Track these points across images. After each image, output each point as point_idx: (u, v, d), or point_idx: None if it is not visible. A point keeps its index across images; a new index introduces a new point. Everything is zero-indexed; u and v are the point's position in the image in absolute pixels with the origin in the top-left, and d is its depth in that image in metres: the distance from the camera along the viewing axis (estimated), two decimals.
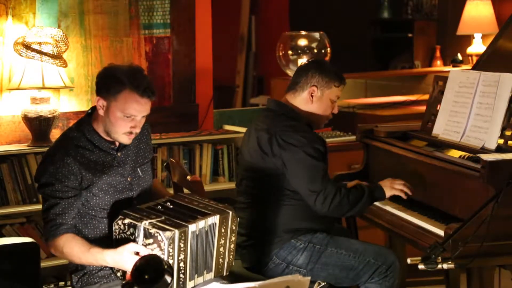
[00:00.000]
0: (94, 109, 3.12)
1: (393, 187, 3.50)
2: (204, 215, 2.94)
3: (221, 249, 3.02)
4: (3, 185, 4.30)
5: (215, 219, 2.97)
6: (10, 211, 4.29)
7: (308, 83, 3.54)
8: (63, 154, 3.01)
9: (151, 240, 2.82)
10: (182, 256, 2.84)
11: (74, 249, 2.95)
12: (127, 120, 3.01)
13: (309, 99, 3.54)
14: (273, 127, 3.47)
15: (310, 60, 3.72)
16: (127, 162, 3.14)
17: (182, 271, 2.85)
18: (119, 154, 3.12)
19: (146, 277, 2.63)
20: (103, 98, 3.02)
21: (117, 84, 2.98)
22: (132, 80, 2.97)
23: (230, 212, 3.02)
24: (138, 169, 3.18)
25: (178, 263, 2.83)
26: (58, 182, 2.98)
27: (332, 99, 3.56)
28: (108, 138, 3.08)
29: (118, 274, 2.97)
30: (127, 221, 2.88)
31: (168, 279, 2.67)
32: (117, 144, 3.11)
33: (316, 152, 3.41)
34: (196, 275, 2.93)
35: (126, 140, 3.06)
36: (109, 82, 3.00)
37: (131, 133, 3.04)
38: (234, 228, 3.05)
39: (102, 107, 3.02)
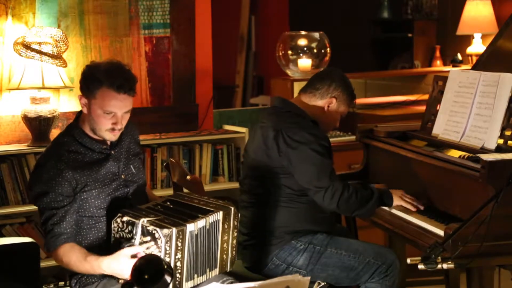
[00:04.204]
0: (81, 112, 3.15)
1: (402, 198, 3.52)
2: (206, 213, 2.95)
3: (225, 245, 3.03)
4: (3, 185, 4.30)
5: (218, 215, 2.98)
6: (10, 211, 4.29)
7: (329, 93, 3.57)
8: (56, 161, 3.02)
9: (148, 238, 2.83)
10: (179, 256, 2.84)
11: (72, 258, 2.96)
12: (108, 117, 3.04)
13: (325, 108, 3.58)
14: (279, 124, 3.48)
15: (333, 69, 3.68)
16: (121, 160, 3.16)
17: (179, 271, 2.85)
18: (112, 152, 3.13)
19: (146, 277, 2.63)
20: (84, 97, 3.06)
21: (94, 82, 3.01)
22: (108, 77, 3.00)
23: (232, 208, 3.03)
24: (131, 165, 3.20)
25: (175, 262, 2.83)
26: (52, 190, 2.99)
27: (342, 114, 3.63)
28: (97, 137, 3.10)
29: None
30: (125, 218, 2.89)
31: (168, 279, 2.66)
32: (108, 143, 3.13)
33: (323, 148, 3.43)
34: (195, 275, 2.93)
35: (110, 136, 3.09)
36: (88, 80, 3.04)
37: (113, 129, 3.06)
38: (236, 224, 3.06)
39: (85, 105, 3.06)
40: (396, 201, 3.52)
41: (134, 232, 2.87)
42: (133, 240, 2.87)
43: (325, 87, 3.58)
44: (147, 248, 2.83)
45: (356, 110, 5.83)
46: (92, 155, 3.10)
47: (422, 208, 3.48)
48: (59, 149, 3.07)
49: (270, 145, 3.47)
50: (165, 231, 2.80)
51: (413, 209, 3.48)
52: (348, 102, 3.63)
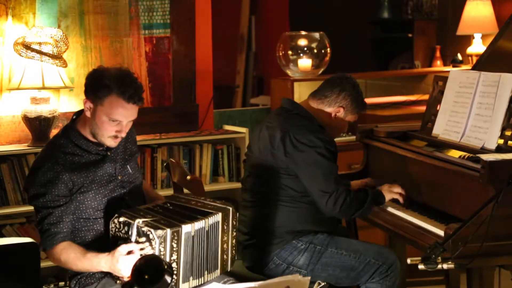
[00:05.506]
0: (78, 114, 3.13)
1: (391, 191, 3.56)
2: (205, 215, 2.95)
3: (225, 245, 3.04)
4: (3, 185, 4.30)
5: (217, 217, 2.97)
6: (10, 211, 4.30)
7: (337, 102, 3.58)
8: (52, 163, 3.01)
9: (143, 239, 2.83)
10: (174, 257, 2.83)
11: (70, 255, 2.96)
12: (113, 124, 3.02)
13: (332, 116, 3.59)
14: (287, 126, 3.48)
15: (345, 77, 3.65)
16: (118, 161, 3.15)
17: (175, 272, 2.84)
18: (109, 153, 3.13)
19: (146, 277, 2.63)
20: (90, 101, 3.03)
21: (104, 88, 2.98)
22: (119, 85, 2.97)
23: (230, 208, 3.04)
24: (128, 166, 3.19)
25: (170, 263, 2.82)
26: (49, 192, 2.99)
27: (350, 121, 3.64)
28: (95, 140, 3.09)
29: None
30: (122, 219, 2.89)
31: (168, 279, 2.66)
32: (105, 146, 3.12)
33: (329, 153, 3.44)
34: (191, 277, 2.92)
35: (111, 143, 3.07)
36: (96, 86, 3.00)
37: (116, 137, 3.05)
38: (234, 223, 3.07)
39: (89, 109, 3.04)
40: (387, 196, 3.56)
41: (130, 233, 2.86)
42: (129, 241, 2.87)
43: (334, 95, 3.58)
44: (142, 249, 2.83)
45: None
46: (89, 157, 3.09)
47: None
48: (55, 151, 3.06)
49: (277, 146, 3.47)
50: (159, 232, 2.80)
51: (401, 200, 3.54)
52: (357, 110, 3.62)
